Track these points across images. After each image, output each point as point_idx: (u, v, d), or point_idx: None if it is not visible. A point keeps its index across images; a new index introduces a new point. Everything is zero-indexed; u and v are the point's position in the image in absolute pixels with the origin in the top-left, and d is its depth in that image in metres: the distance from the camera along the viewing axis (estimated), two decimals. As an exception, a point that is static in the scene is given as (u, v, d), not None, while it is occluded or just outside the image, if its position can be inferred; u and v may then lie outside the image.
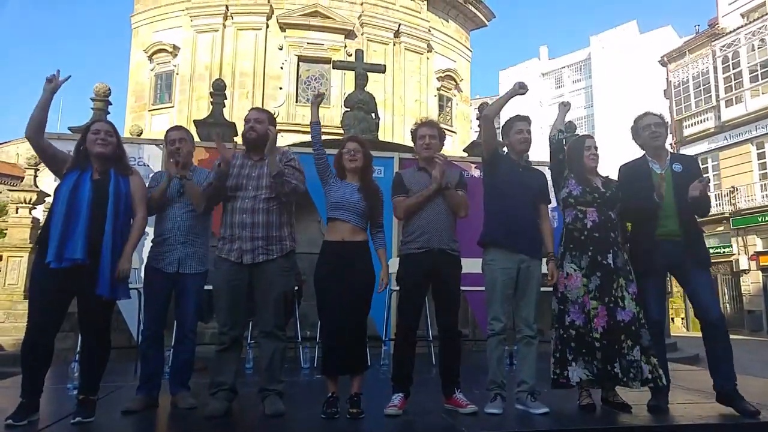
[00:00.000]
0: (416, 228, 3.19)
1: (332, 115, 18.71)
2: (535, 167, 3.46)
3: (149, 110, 20.39)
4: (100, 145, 3.06)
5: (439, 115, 21.86)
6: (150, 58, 19.83)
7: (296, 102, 19.54)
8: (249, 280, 3.12)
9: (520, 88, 3.18)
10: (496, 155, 3.37)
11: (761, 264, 19.24)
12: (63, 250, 2.83)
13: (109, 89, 8.06)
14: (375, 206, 3.22)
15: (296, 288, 5.28)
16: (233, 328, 3.12)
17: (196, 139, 7.82)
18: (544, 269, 3.28)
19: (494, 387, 3.10)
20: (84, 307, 3.01)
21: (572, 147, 3.40)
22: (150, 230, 3.51)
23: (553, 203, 3.46)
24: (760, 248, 19.48)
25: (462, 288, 3.29)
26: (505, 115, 3.55)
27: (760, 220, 18.90)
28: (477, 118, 9.29)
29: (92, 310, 2.98)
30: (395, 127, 18.73)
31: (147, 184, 3.50)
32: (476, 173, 6.95)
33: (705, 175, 3.24)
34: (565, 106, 3.55)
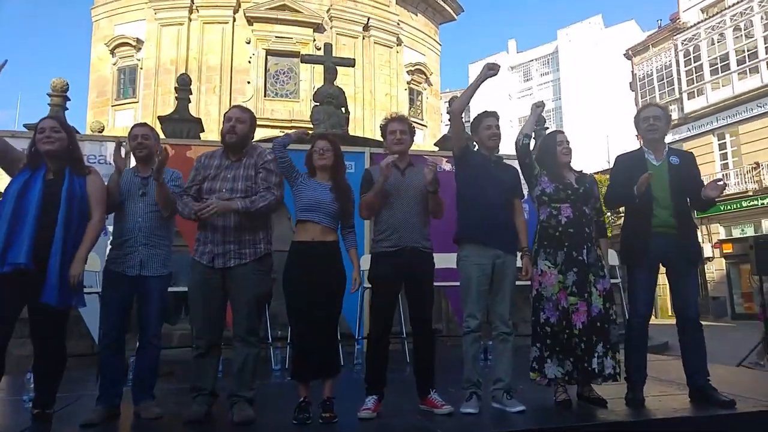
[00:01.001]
0: (387, 226, 3.10)
1: (301, 109, 18.50)
2: (507, 162, 3.41)
3: (112, 105, 19.81)
4: (46, 142, 2.90)
5: (410, 108, 21.83)
6: (112, 51, 19.21)
7: (264, 96, 19.24)
8: (222, 283, 3.01)
9: (490, 70, 3.11)
10: (467, 151, 3.31)
11: (724, 252, 19.83)
12: (6, 254, 2.67)
13: (67, 84, 7.72)
14: (347, 207, 3.13)
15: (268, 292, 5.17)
16: (210, 332, 3.02)
17: (162, 136, 7.62)
18: (519, 264, 3.24)
19: (470, 386, 3.05)
20: (34, 316, 2.84)
21: (544, 144, 3.37)
22: (110, 229, 3.35)
23: (525, 196, 3.43)
24: (723, 236, 20.07)
25: (439, 284, 3.23)
26: (475, 109, 3.50)
27: (722, 209, 19.44)
28: (447, 112, 9.30)
29: (42, 320, 2.82)
30: (366, 122, 18.63)
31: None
32: (447, 167, 6.90)
33: (720, 180, 3.24)
34: (537, 108, 3.47)
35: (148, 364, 3.20)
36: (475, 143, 3.43)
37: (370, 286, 3.22)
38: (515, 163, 3.43)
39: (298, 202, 3.08)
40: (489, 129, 3.28)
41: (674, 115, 21.66)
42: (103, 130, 10.99)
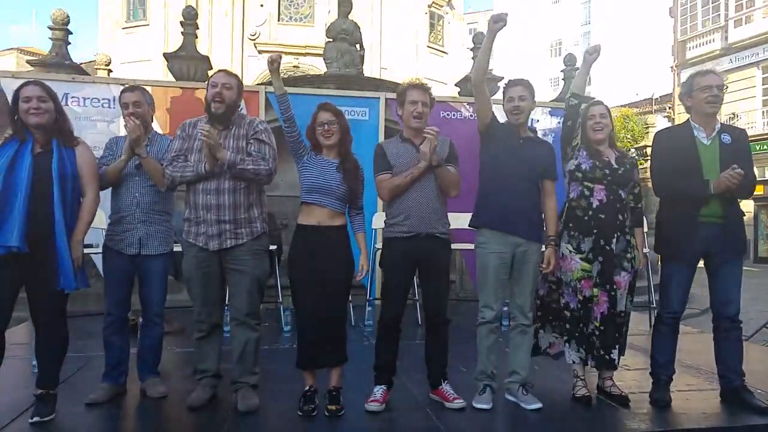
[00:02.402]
0: (401, 210, 2.85)
1: (316, 36, 17.67)
2: (542, 139, 3.06)
3: (123, 28, 19.18)
4: (34, 114, 2.64)
5: (430, 34, 20.80)
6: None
7: (278, 21, 18.41)
8: (219, 264, 2.85)
9: (496, 23, 2.70)
10: (492, 126, 2.96)
11: (754, 193, 19.16)
12: None
13: (68, 16, 7.28)
14: (355, 187, 2.88)
15: (277, 243, 5.03)
16: (210, 314, 2.92)
17: (169, 76, 7.23)
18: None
19: (483, 377, 2.91)
20: (33, 299, 2.72)
21: (582, 116, 2.99)
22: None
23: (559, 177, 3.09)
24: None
25: (455, 246, 3.04)
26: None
27: (758, 148, 18.58)
28: (471, 50, 8.67)
29: (43, 302, 2.71)
30: (384, 53, 17.77)
31: (103, 151, 3.11)
32: (468, 111, 6.47)
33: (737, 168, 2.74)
34: (591, 55, 2.91)
35: (152, 343, 3.14)
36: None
37: (380, 248, 3.01)
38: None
39: (303, 182, 2.84)
40: (511, 101, 2.92)
41: (716, 45, 20.35)
42: (109, 63, 10.59)
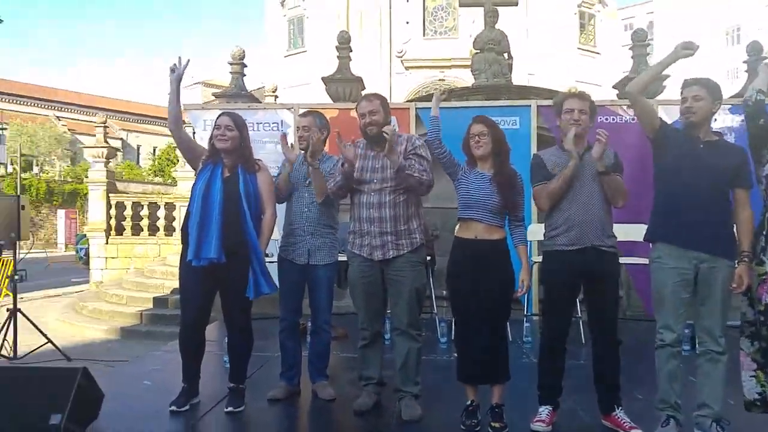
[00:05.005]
0: (564, 220, 2.74)
1: (461, 48, 17.75)
2: (730, 143, 2.74)
3: (285, 56, 21.04)
4: (220, 140, 3.06)
5: (580, 35, 19.81)
6: (282, 3, 20.24)
7: (423, 36, 18.85)
8: (381, 274, 3.00)
9: (684, 50, 2.51)
10: (662, 132, 2.71)
11: None
12: (200, 249, 2.91)
13: (244, 52, 8.23)
14: (512, 198, 2.84)
15: (431, 253, 5.11)
16: (372, 323, 3.08)
17: (326, 98, 7.79)
18: None
19: (666, 407, 2.63)
20: (226, 304, 3.10)
21: None
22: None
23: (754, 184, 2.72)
24: None
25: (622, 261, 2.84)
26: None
27: None
28: (630, 48, 8.06)
29: (236, 306, 3.09)
30: (531, 59, 17.23)
31: (279, 169, 3.47)
32: (630, 114, 6.03)
33: None
34: None
35: (321, 348, 3.38)
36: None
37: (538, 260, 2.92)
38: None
39: (458, 198, 2.89)
40: (683, 102, 2.65)
41: None
42: (276, 89, 11.73)
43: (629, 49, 7.96)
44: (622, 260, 3.34)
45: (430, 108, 6.42)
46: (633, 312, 5.71)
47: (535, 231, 4.36)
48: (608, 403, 2.74)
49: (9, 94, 34.90)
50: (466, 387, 2.86)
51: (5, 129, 21.56)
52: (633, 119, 5.92)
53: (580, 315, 4.01)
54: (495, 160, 2.85)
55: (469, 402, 2.81)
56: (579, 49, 19.27)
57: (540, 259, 2.89)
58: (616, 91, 7.74)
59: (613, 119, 5.98)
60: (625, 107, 5.94)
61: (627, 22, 28.30)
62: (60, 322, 9.22)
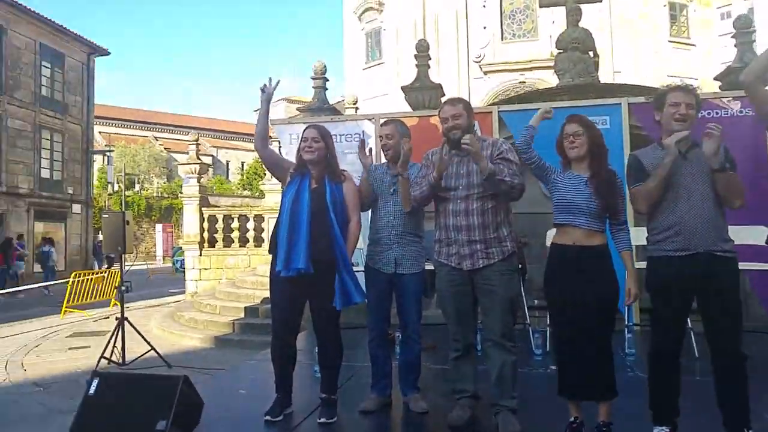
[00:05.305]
0: (670, 223, 2.50)
1: (541, 50, 17.24)
2: None
3: (363, 69, 21.44)
4: (307, 152, 3.11)
5: (671, 27, 18.65)
6: (359, 17, 20.68)
7: (502, 40, 18.50)
8: (471, 283, 2.89)
9: None
10: None
11: None
12: (289, 260, 2.94)
13: (325, 66, 8.44)
14: (612, 201, 2.64)
15: (521, 261, 4.92)
16: (465, 335, 2.98)
17: (405, 107, 7.80)
18: None
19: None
20: (315, 314, 3.12)
21: None
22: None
23: None
24: None
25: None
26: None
27: None
28: (733, 36, 7.44)
29: (323, 317, 3.09)
30: (616, 56, 16.45)
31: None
32: (735, 107, 5.54)
33: None
34: None
35: (412, 359, 3.30)
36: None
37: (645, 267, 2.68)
38: None
39: (553, 203, 2.73)
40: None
41: None
42: (356, 101, 11.93)
43: (731, 37, 7.36)
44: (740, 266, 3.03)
45: (512, 111, 6.23)
46: (752, 323, 5.17)
47: (635, 235, 4.07)
48: (737, 424, 2.45)
49: (114, 119, 38.08)
50: (569, 403, 2.68)
51: (113, 151, 23.60)
52: (740, 112, 5.45)
53: (690, 326, 3.70)
54: (591, 162, 2.68)
55: (572, 419, 2.64)
56: (670, 42, 18.12)
57: (643, 264, 2.67)
58: (718, 83, 7.15)
59: (717, 113, 5.51)
60: (732, 99, 5.47)
61: (723, 10, 26.31)
62: (161, 330, 9.82)
